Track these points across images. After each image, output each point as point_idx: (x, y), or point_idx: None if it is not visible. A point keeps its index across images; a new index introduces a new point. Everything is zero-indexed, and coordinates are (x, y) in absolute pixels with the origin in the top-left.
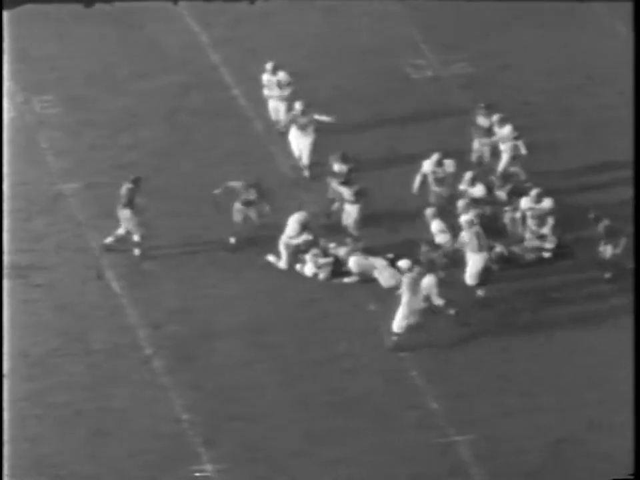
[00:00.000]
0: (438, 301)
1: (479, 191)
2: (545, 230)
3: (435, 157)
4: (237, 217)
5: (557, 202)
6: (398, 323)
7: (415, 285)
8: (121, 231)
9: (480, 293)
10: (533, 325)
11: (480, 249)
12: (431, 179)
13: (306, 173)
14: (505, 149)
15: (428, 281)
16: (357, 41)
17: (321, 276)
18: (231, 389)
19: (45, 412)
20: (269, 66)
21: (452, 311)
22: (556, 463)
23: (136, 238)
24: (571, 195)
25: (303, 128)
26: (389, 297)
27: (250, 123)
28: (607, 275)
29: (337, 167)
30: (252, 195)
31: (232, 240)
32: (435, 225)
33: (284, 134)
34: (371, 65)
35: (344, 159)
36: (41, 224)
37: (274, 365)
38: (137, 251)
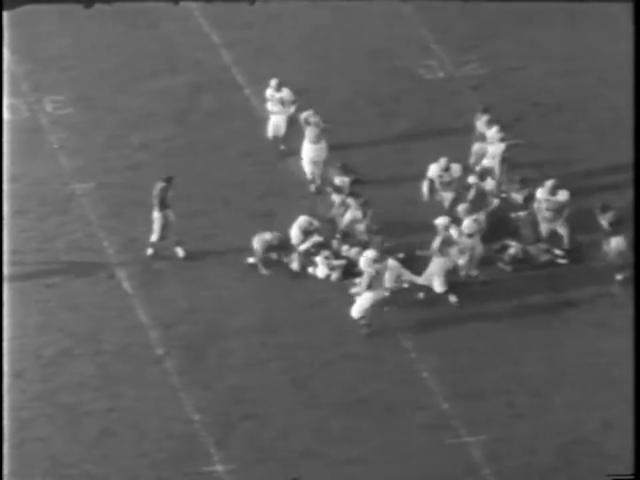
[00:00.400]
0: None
1: (489, 184)
2: (559, 225)
3: (442, 161)
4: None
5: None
6: (358, 309)
7: (379, 276)
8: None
9: (452, 299)
10: (544, 326)
11: (444, 254)
12: (437, 183)
13: (313, 188)
14: (492, 150)
15: (392, 265)
16: (369, 42)
17: (333, 277)
18: (242, 389)
19: (55, 412)
20: (273, 82)
21: (421, 295)
22: (567, 464)
23: (153, 238)
24: (582, 196)
25: (315, 141)
26: (400, 298)
27: (261, 123)
28: (619, 277)
29: (339, 180)
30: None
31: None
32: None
33: (284, 151)
34: (383, 66)
35: (345, 170)
36: (53, 224)
37: (284, 365)
38: (149, 251)
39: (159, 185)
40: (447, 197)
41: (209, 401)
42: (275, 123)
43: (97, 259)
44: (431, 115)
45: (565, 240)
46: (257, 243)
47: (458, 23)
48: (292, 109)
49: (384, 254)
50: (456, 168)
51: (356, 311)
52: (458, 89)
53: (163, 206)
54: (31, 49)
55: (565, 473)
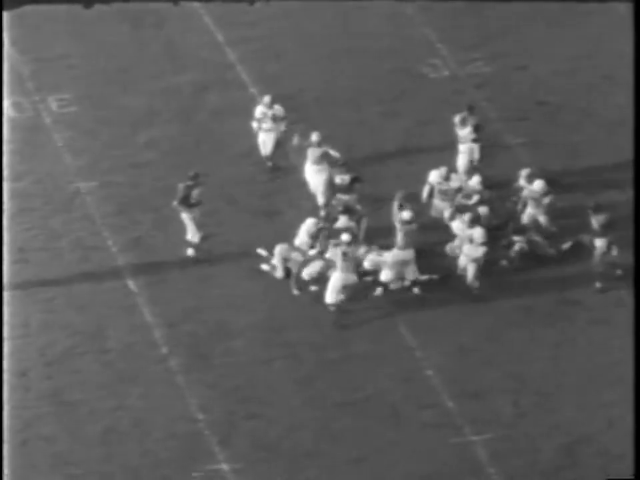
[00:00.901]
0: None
1: (474, 182)
2: (540, 215)
3: (443, 170)
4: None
5: (572, 202)
6: (330, 295)
7: (347, 259)
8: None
9: (416, 291)
10: (549, 325)
11: (405, 247)
12: (436, 190)
13: (322, 213)
14: (463, 150)
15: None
16: (373, 41)
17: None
18: (246, 388)
19: (60, 410)
20: (266, 98)
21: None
22: (571, 463)
23: (189, 237)
24: (588, 195)
25: (317, 162)
26: (405, 297)
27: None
28: (598, 285)
29: (339, 178)
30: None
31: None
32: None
33: (273, 167)
34: (387, 65)
35: (346, 169)
36: (58, 222)
37: (289, 364)
38: (190, 251)
39: (185, 183)
40: (443, 206)
41: (213, 400)
42: (263, 140)
43: (101, 258)
44: (435, 113)
45: (545, 228)
46: (279, 254)
47: (462, 22)
48: (282, 127)
49: (356, 240)
50: (455, 178)
51: (328, 295)
52: (462, 87)
53: (187, 204)
54: (36, 48)
55: (569, 472)
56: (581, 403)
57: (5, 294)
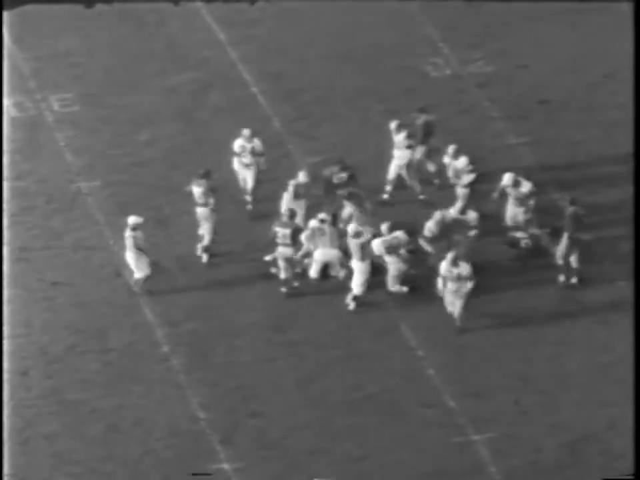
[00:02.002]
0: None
1: (461, 163)
2: (522, 213)
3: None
4: None
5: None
6: (312, 270)
7: (324, 234)
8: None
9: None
10: (551, 324)
11: (363, 258)
12: (510, 195)
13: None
14: (398, 156)
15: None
16: (376, 40)
17: (341, 274)
18: (248, 387)
19: (61, 409)
20: (246, 132)
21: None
22: (573, 462)
23: (205, 242)
24: (589, 193)
25: (298, 196)
26: (408, 296)
27: (268, 120)
28: (562, 278)
29: (336, 178)
30: None
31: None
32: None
33: (251, 206)
34: (389, 64)
35: (343, 167)
36: (59, 221)
37: (291, 363)
38: (204, 257)
39: (205, 185)
40: (517, 212)
41: (215, 399)
42: (243, 176)
43: (103, 257)
44: (437, 112)
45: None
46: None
47: (464, 21)
48: (262, 163)
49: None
50: (525, 184)
51: (312, 271)
52: (464, 86)
53: (206, 204)
54: (38, 47)
55: (570, 471)
56: (582, 402)
57: (6, 293)
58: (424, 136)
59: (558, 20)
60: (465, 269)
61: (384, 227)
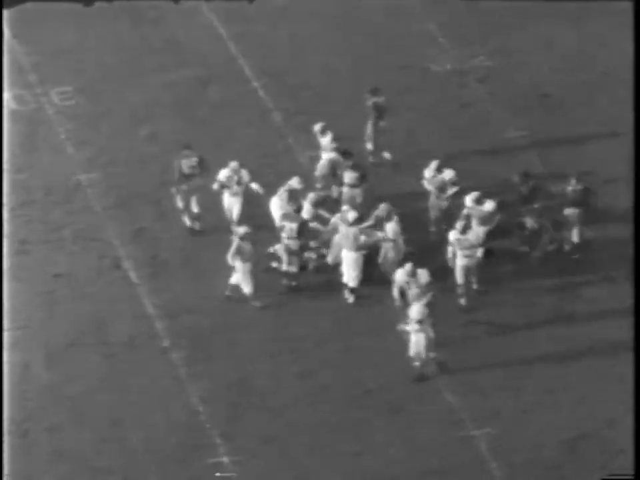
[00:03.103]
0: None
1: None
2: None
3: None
4: None
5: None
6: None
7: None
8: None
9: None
10: (552, 322)
11: (352, 247)
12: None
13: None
14: (324, 157)
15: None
16: (377, 35)
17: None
18: (249, 381)
19: (62, 403)
20: (233, 164)
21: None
22: (573, 459)
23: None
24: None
25: (291, 201)
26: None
27: (269, 115)
28: (536, 253)
29: (347, 177)
30: None
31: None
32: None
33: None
34: (390, 59)
35: (354, 167)
36: (59, 214)
37: (292, 358)
38: (196, 225)
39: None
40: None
41: (215, 393)
42: (229, 204)
43: (103, 250)
44: (438, 107)
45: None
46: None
47: (465, 17)
48: (257, 187)
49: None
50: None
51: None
52: (465, 81)
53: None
54: (39, 41)
55: (571, 468)
56: (582, 399)
57: (6, 286)
58: (375, 118)
59: (558, 17)
60: (474, 235)
61: (351, 216)
